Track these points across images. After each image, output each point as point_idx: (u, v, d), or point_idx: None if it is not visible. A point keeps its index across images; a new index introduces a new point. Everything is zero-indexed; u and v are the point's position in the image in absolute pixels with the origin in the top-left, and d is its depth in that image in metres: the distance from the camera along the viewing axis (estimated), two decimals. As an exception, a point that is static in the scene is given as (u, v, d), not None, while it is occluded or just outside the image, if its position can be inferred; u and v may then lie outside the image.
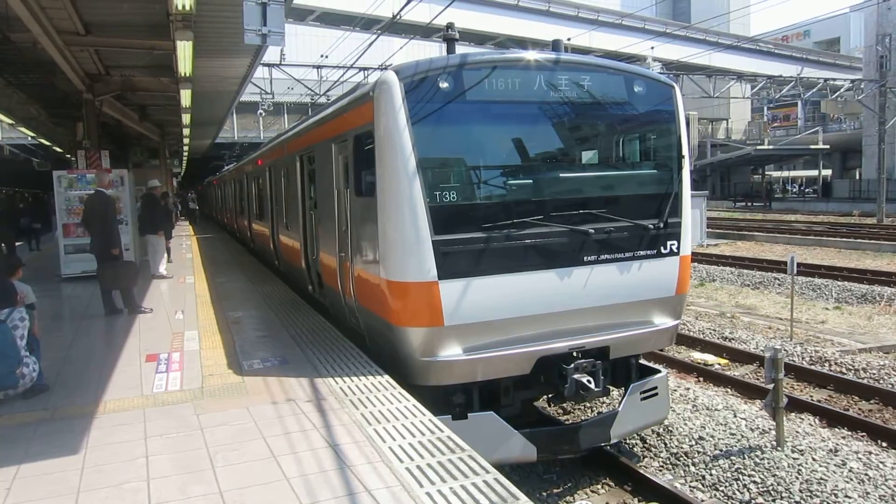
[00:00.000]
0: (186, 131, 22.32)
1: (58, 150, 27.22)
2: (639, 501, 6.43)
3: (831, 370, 9.91)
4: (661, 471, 7.06)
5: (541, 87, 6.15)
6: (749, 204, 55.21)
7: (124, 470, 4.24)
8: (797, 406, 8.42)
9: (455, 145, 6.07)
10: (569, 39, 15.01)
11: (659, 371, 7.27)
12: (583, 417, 8.05)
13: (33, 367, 5.71)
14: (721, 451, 7.08)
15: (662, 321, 6.74)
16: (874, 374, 9.64)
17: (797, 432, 7.37)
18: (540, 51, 6.55)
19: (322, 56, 27.33)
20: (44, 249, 19.61)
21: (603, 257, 6.24)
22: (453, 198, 5.74)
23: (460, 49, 7.04)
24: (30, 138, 26.95)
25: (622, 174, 6.88)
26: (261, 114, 32.58)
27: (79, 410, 5.39)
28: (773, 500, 6.14)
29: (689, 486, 6.65)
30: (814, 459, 6.65)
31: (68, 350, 7.45)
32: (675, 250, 6.64)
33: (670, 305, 6.75)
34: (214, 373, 6.34)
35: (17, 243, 18.42)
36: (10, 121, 18.82)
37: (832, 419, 8.11)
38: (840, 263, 20.34)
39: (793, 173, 75.95)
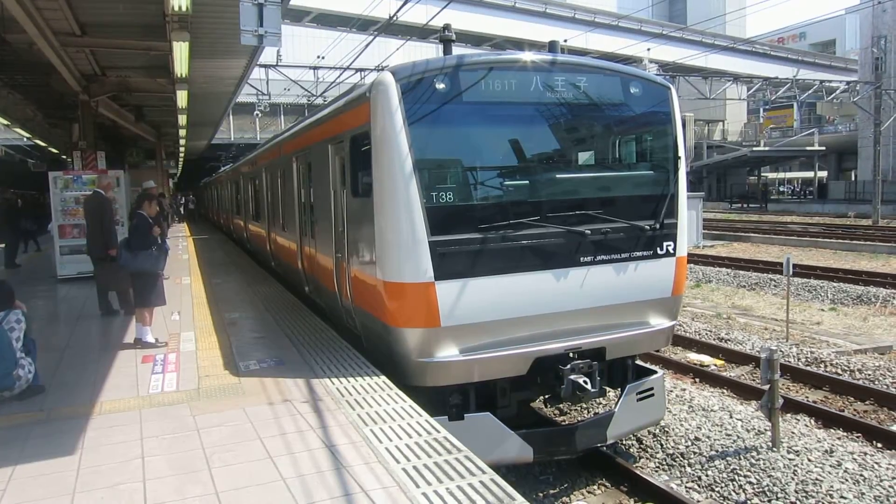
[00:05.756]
0: (183, 132, 22.30)
1: (54, 151, 27.19)
2: (635, 502, 6.43)
3: (827, 371, 9.94)
4: (657, 471, 7.07)
5: (537, 89, 6.16)
6: (745, 205, 55.31)
7: (120, 471, 4.23)
8: (793, 407, 8.44)
9: (452, 146, 6.07)
10: (565, 41, 15.03)
11: (655, 372, 7.28)
12: (579, 418, 8.06)
13: (29, 368, 5.70)
14: (717, 451, 7.09)
15: (659, 322, 6.75)
16: (869, 375, 9.67)
17: (793, 433, 7.38)
18: (536, 52, 6.55)
19: (318, 57, 27.32)
20: (43, 250, 19.53)
21: (599, 258, 6.24)
22: (450, 199, 5.74)
23: (457, 50, 7.04)
24: (25, 139, 26.92)
25: (618, 175, 6.89)
26: (257, 115, 32.64)
27: (74, 411, 5.38)
28: (769, 501, 6.14)
29: (685, 487, 6.65)
30: (809, 460, 6.66)
31: (64, 351, 7.43)
32: (672, 251, 6.65)
33: (666, 306, 6.77)
34: (211, 374, 6.33)
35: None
36: (5, 122, 18.80)
37: (828, 420, 8.13)
38: (836, 265, 20.36)
39: (789, 175, 76.14)
